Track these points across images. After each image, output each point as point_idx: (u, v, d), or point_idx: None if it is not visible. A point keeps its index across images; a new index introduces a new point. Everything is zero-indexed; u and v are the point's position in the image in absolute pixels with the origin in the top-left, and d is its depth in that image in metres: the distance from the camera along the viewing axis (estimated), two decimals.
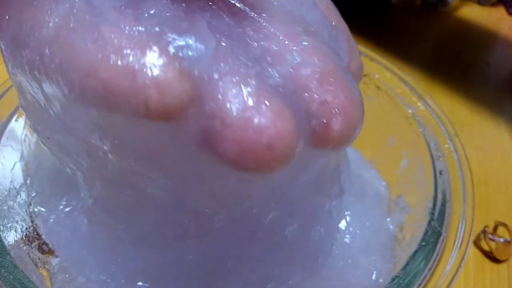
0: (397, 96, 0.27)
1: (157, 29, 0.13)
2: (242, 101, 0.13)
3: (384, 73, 0.28)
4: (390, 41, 0.46)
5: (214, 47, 0.14)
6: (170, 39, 0.13)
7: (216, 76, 0.13)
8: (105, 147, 0.16)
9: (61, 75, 0.13)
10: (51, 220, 0.23)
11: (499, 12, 0.51)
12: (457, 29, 0.50)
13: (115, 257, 0.21)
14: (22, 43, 0.14)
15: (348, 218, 0.24)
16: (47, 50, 0.14)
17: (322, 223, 0.21)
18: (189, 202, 0.18)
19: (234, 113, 0.13)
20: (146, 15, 0.14)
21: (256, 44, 0.15)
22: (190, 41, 0.13)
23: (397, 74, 0.28)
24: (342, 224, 0.24)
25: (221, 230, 0.18)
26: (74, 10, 0.14)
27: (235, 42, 0.14)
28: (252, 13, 0.15)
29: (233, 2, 0.15)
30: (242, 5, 0.15)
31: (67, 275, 0.22)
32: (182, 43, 0.13)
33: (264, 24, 0.15)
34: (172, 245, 0.20)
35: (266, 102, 0.13)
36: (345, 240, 0.23)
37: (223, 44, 0.14)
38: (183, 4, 0.15)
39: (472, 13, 0.51)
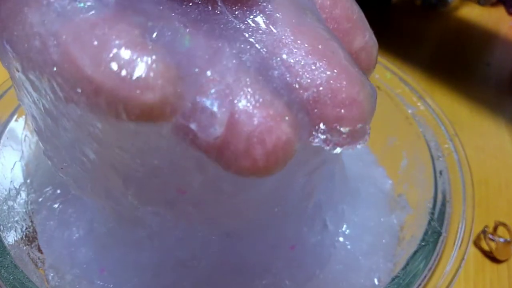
0: (397, 96, 0.27)
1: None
2: (239, 103, 0.12)
3: (384, 73, 0.28)
4: (390, 41, 0.46)
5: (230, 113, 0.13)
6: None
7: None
8: (129, 192, 0.16)
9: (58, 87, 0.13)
10: (39, 216, 0.23)
11: (499, 12, 0.51)
12: (457, 29, 0.50)
13: (99, 279, 0.21)
14: (14, 62, 0.14)
15: (350, 225, 0.24)
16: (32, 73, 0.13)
17: (312, 249, 0.21)
18: (191, 229, 0.18)
19: (229, 114, 0.12)
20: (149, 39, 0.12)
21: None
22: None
23: (397, 74, 0.28)
24: (344, 231, 0.24)
25: (213, 260, 0.19)
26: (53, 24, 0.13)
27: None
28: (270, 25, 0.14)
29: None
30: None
31: (56, 272, 0.22)
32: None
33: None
34: (169, 273, 0.20)
35: (264, 103, 0.13)
36: (347, 246, 0.23)
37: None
38: (203, 24, 0.14)
39: (472, 13, 0.51)
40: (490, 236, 0.30)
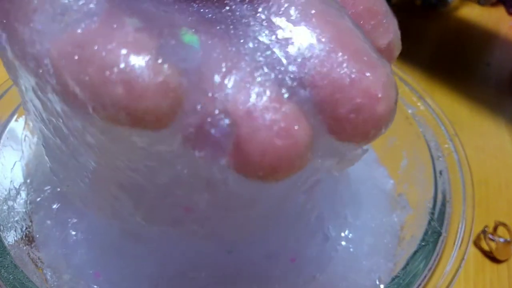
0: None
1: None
2: (250, 102, 0.11)
3: None
4: None
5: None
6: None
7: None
8: (138, 213, 0.16)
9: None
10: (37, 215, 0.23)
11: (499, 12, 0.50)
12: (457, 29, 0.50)
13: (95, 283, 0.21)
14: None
15: (352, 229, 0.24)
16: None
17: (312, 257, 0.21)
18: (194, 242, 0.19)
19: (241, 116, 0.11)
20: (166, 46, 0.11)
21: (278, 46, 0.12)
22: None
23: (397, 74, 0.28)
24: (347, 236, 0.24)
25: (213, 270, 0.20)
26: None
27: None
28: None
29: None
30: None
31: (54, 272, 0.22)
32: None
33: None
34: (168, 284, 0.20)
35: (277, 105, 0.11)
36: (349, 249, 0.23)
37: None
38: (218, 27, 0.12)
39: (472, 13, 0.51)
40: (490, 236, 0.30)
